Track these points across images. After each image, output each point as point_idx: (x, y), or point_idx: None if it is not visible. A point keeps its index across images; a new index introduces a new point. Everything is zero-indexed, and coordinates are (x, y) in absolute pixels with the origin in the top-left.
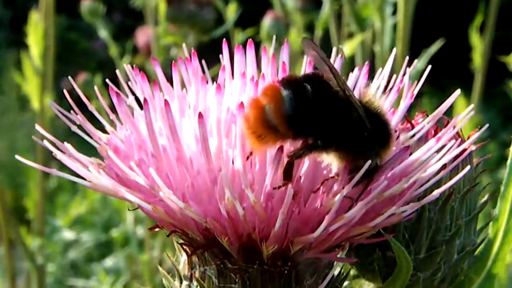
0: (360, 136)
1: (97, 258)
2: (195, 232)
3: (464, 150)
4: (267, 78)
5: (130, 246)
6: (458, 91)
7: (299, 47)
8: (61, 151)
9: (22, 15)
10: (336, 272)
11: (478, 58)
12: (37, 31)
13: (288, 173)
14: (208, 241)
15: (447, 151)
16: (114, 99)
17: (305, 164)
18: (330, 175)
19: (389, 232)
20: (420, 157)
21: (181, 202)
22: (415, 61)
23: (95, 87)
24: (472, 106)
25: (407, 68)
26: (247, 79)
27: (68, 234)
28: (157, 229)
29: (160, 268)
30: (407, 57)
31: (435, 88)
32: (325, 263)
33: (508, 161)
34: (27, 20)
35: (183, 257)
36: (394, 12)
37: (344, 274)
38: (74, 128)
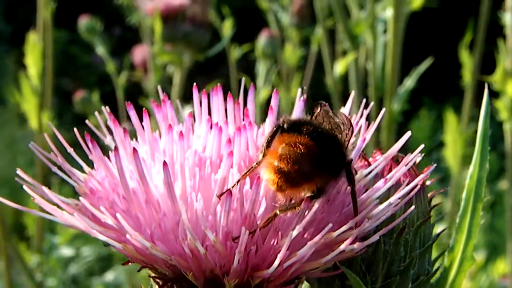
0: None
1: (98, 272)
2: (163, 268)
3: (415, 187)
4: (231, 124)
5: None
6: (408, 133)
7: (294, 63)
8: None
9: (24, 29)
10: None
11: (468, 75)
12: (34, 51)
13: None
14: (176, 275)
15: (396, 191)
16: (89, 145)
17: (262, 205)
18: (286, 215)
19: (347, 263)
20: (371, 196)
21: (147, 242)
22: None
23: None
24: (422, 146)
25: (364, 110)
26: (213, 124)
27: (66, 251)
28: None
29: None
30: (364, 100)
31: (434, 100)
32: None
33: (463, 195)
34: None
35: None
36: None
37: None
38: (55, 169)
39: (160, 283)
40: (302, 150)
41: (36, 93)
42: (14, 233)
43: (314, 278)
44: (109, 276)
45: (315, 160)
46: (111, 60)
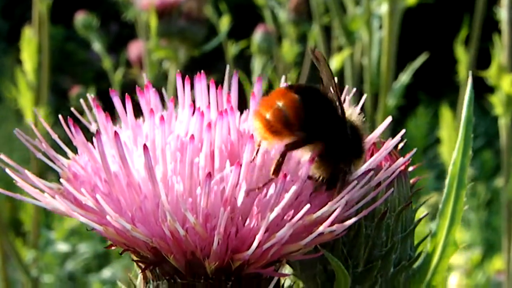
0: (343, 144)
1: (95, 269)
2: (145, 250)
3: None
4: (213, 109)
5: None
6: (389, 118)
7: (291, 59)
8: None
9: (21, 27)
10: (287, 284)
11: (463, 71)
12: (30, 46)
13: (277, 169)
14: (158, 258)
15: (375, 175)
16: (72, 129)
17: (242, 187)
18: (265, 198)
19: (329, 248)
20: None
21: (127, 224)
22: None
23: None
24: (403, 131)
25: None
26: (195, 109)
27: (63, 246)
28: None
29: (119, 283)
30: (354, 89)
31: (431, 96)
32: (268, 276)
33: (446, 181)
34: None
35: (140, 272)
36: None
37: (293, 286)
38: (39, 155)
39: (143, 266)
40: (283, 100)
41: (32, 88)
42: (10, 229)
43: (296, 261)
44: (106, 273)
45: (296, 112)
46: (108, 57)
